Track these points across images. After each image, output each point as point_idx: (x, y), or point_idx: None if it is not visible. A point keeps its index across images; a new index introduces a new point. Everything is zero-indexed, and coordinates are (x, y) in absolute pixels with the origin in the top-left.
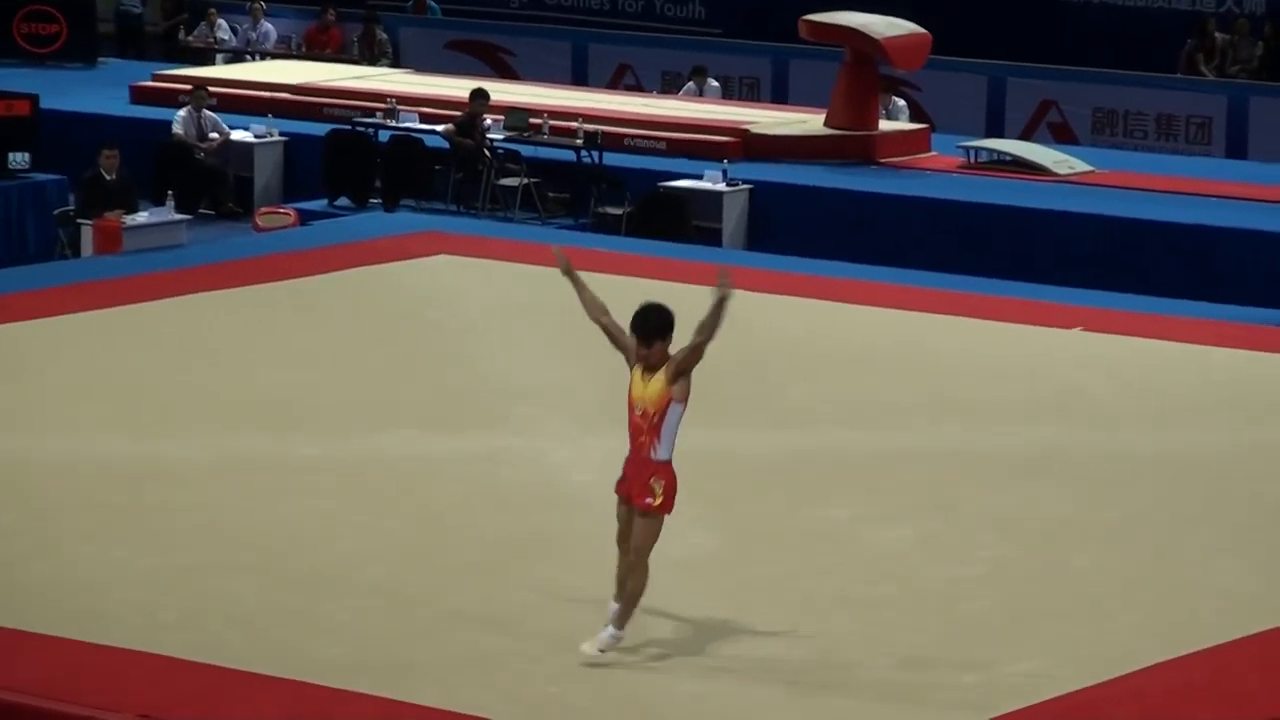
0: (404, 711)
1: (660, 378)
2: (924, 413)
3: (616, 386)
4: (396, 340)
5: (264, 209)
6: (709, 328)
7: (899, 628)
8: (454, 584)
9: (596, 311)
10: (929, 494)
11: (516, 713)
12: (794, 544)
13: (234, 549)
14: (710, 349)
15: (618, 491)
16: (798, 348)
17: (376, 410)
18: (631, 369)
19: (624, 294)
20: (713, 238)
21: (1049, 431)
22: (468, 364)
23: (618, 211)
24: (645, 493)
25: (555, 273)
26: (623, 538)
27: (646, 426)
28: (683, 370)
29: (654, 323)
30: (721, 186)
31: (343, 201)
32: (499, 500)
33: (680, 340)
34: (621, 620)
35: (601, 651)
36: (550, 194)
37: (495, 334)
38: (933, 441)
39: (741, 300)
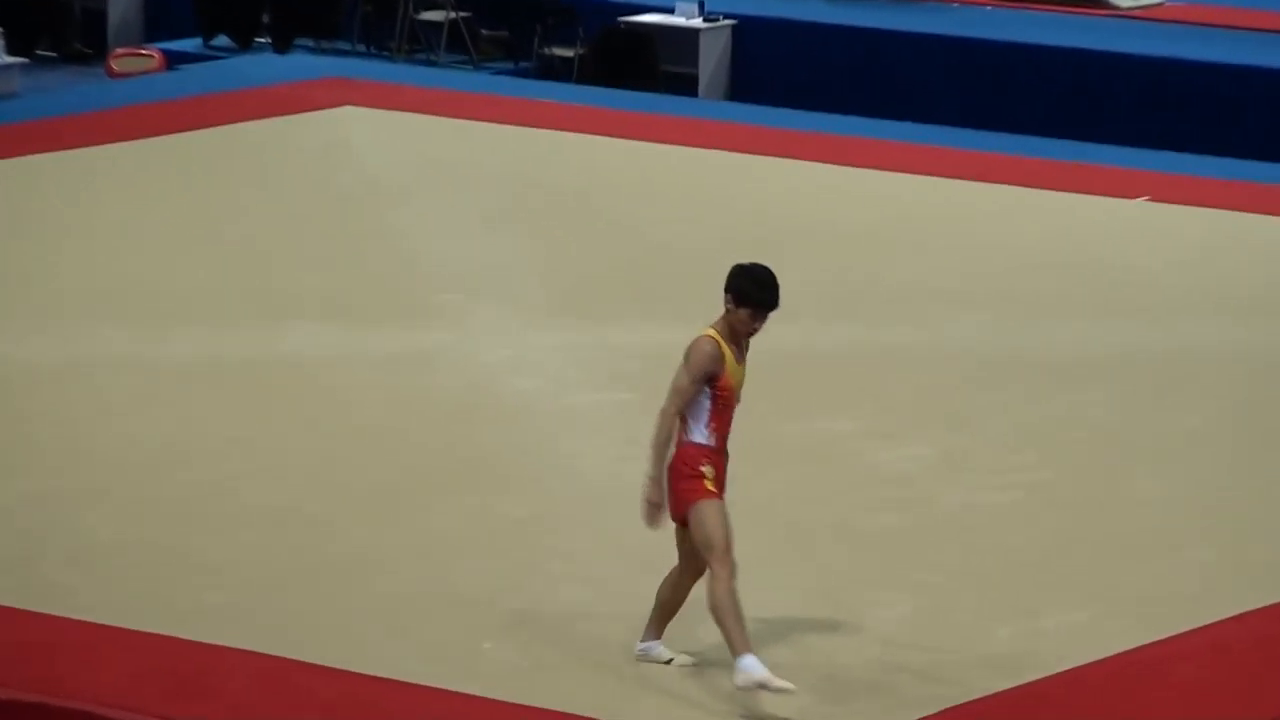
0: (297, 671)
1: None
2: (946, 302)
3: (563, 270)
4: (292, 213)
5: (120, 50)
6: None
7: (911, 566)
8: (364, 514)
9: (679, 405)
10: (950, 403)
11: (438, 673)
12: (783, 463)
13: (84, 470)
14: (682, 224)
15: (723, 493)
16: (789, 221)
17: (268, 300)
18: (725, 357)
19: (574, 155)
20: (686, 86)
21: (1100, 326)
22: (381, 242)
23: (568, 53)
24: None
25: (489, 128)
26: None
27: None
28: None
29: (776, 284)
30: (697, 22)
31: (221, 41)
32: (420, 411)
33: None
34: (744, 643)
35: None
36: (483, 31)
37: (415, 205)
38: (956, 338)
39: (722, 162)
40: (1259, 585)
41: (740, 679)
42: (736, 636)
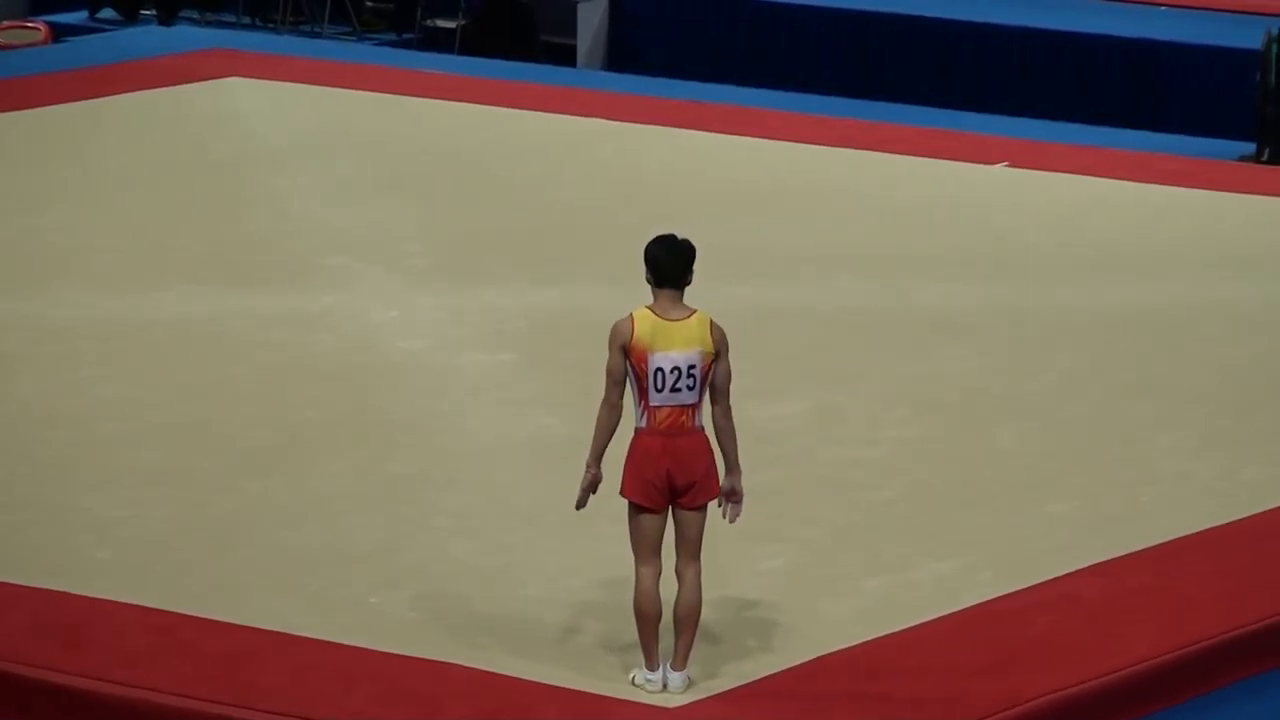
0: (186, 625)
1: (700, 328)
2: (820, 264)
3: (447, 234)
4: (176, 179)
5: (6, 23)
6: (726, 423)
7: (787, 520)
8: (251, 472)
9: (617, 412)
10: (825, 361)
11: (326, 627)
12: None
13: None
14: (563, 190)
15: (650, 499)
16: (669, 188)
17: (152, 262)
18: (633, 330)
19: (456, 124)
20: (565, 56)
21: (968, 287)
22: (266, 207)
23: (450, 24)
24: (713, 476)
25: (373, 98)
26: (654, 569)
27: (689, 388)
28: (716, 361)
29: (690, 255)
30: None
31: (106, 13)
32: (307, 370)
33: None
34: (685, 659)
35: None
36: (367, 3)
37: (299, 172)
38: (830, 298)
39: (600, 130)
40: (1114, 537)
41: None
42: (689, 649)
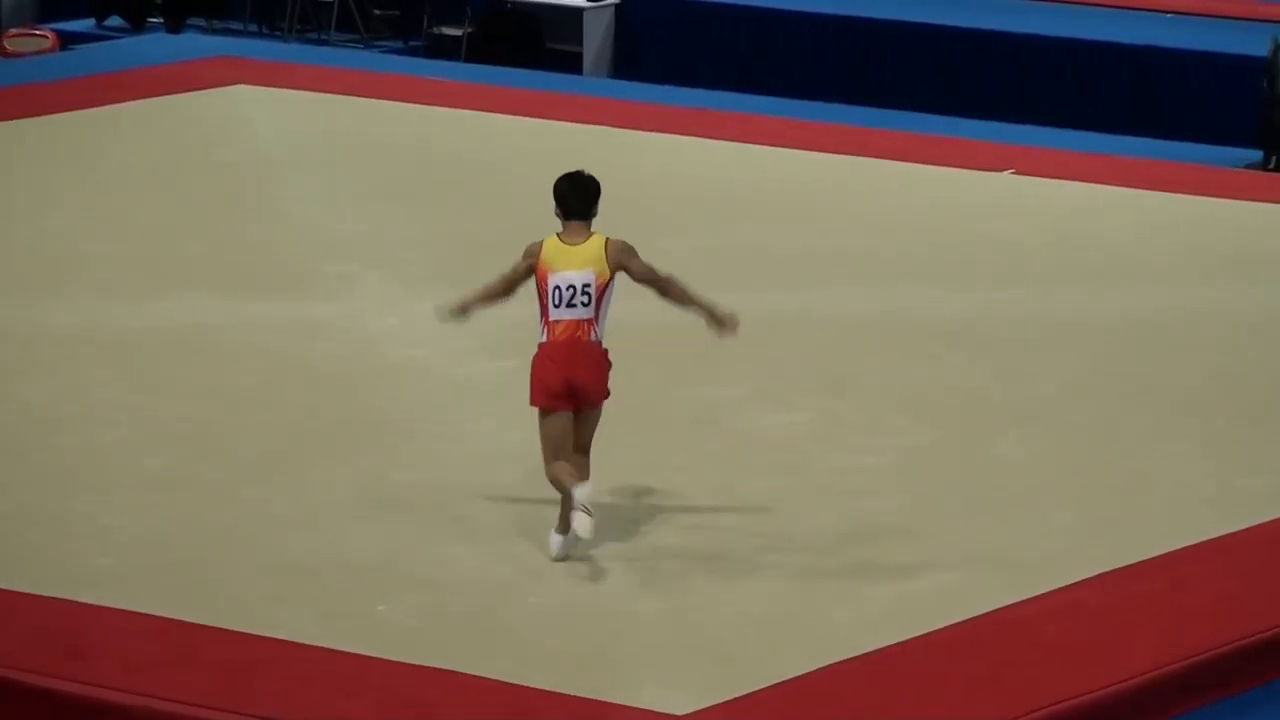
0: (191, 634)
1: (596, 250)
2: (823, 271)
3: (450, 242)
4: (181, 186)
5: (14, 30)
6: (679, 295)
7: (792, 529)
8: (253, 479)
9: (503, 287)
10: (828, 369)
11: (333, 634)
12: (665, 428)
13: None
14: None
15: (553, 402)
16: (673, 194)
17: (156, 270)
18: (540, 252)
19: (463, 131)
20: (571, 64)
21: (970, 294)
22: (270, 215)
23: (456, 32)
24: (605, 382)
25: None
26: (564, 449)
27: (584, 304)
28: (626, 270)
29: (593, 189)
30: (581, 1)
31: (114, 21)
32: (308, 378)
33: None
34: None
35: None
36: (374, 10)
37: (304, 179)
38: (833, 306)
39: (605, 137)
40: (1117, 545)
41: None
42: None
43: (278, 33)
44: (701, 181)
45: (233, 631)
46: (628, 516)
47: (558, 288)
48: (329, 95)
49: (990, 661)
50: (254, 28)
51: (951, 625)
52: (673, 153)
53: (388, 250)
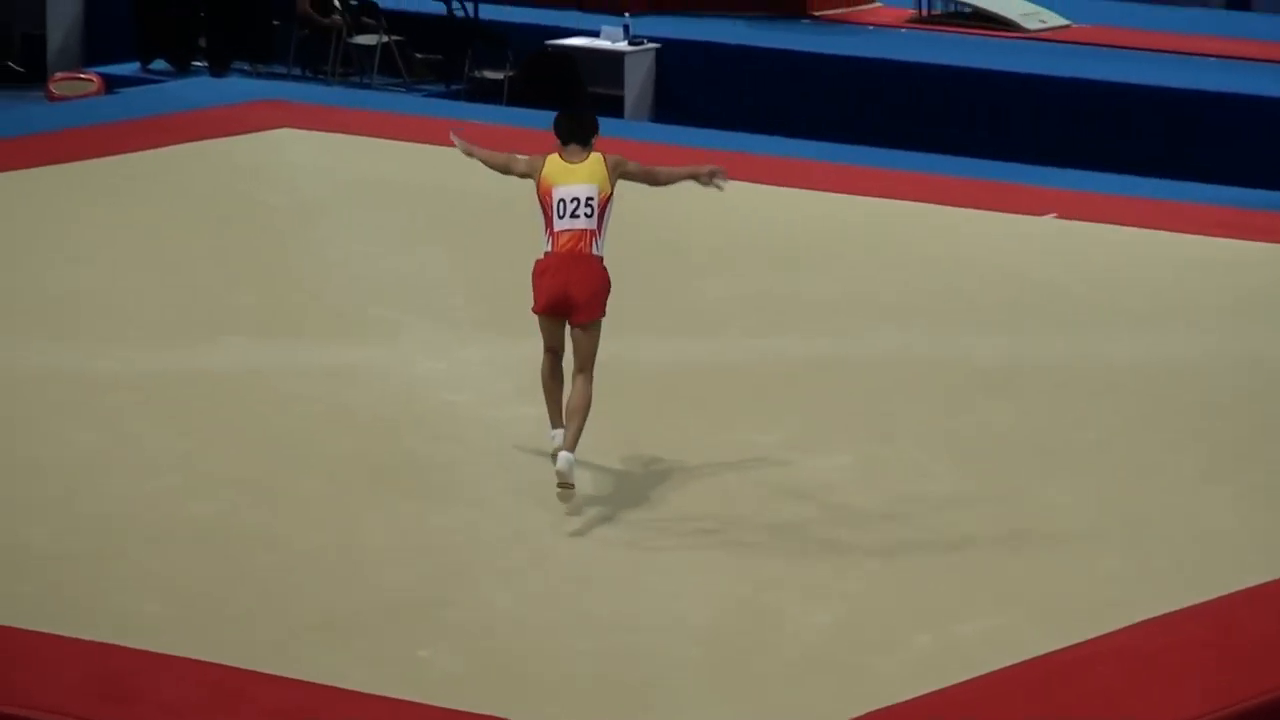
0: (238, 680)
1: (597, 167)
2: (864, 315)
3: (494, 285)
4: (226, 230)
5: (60, 74)
6: (667, 175)
7: (836, 575)
8: (297, 526)
9: (501, 164)
10: (871, 413)
11: (377, 680)
12: (710, 473)
13: (21, 482)
14: (610, 240)
15: (549, 308)
16: (713, 238)
17: (200, 315)
18: (543, 166)
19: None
20: (612, 107)
21: (1012, 338)
22: (314, 259)
23: (498, 75)
24: (599, 301)
25: (420, 149)
26: (556, 360)
27: (587, 216)
28: (625, 175)
29: (590, 123)
30: (622, 45)
31: (159, 65)
32: (352, 424)
33: None
34: (574, 442)
35: (570, 483)
36: (416, 55)
37: (347, 222)
38: (874, 350)
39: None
40: (1164, 591)
41: (564, 469)
42: (577, 437)
43: (321, 76)
44: (741, 225)
45: (278, 677)
46: (668, 560)
47: (562, 200)
48: (372, 139)
49: (1037, 707)
50: (298, 71)
51: (997, 670)
52: (712, 196)
53: (431, 293)
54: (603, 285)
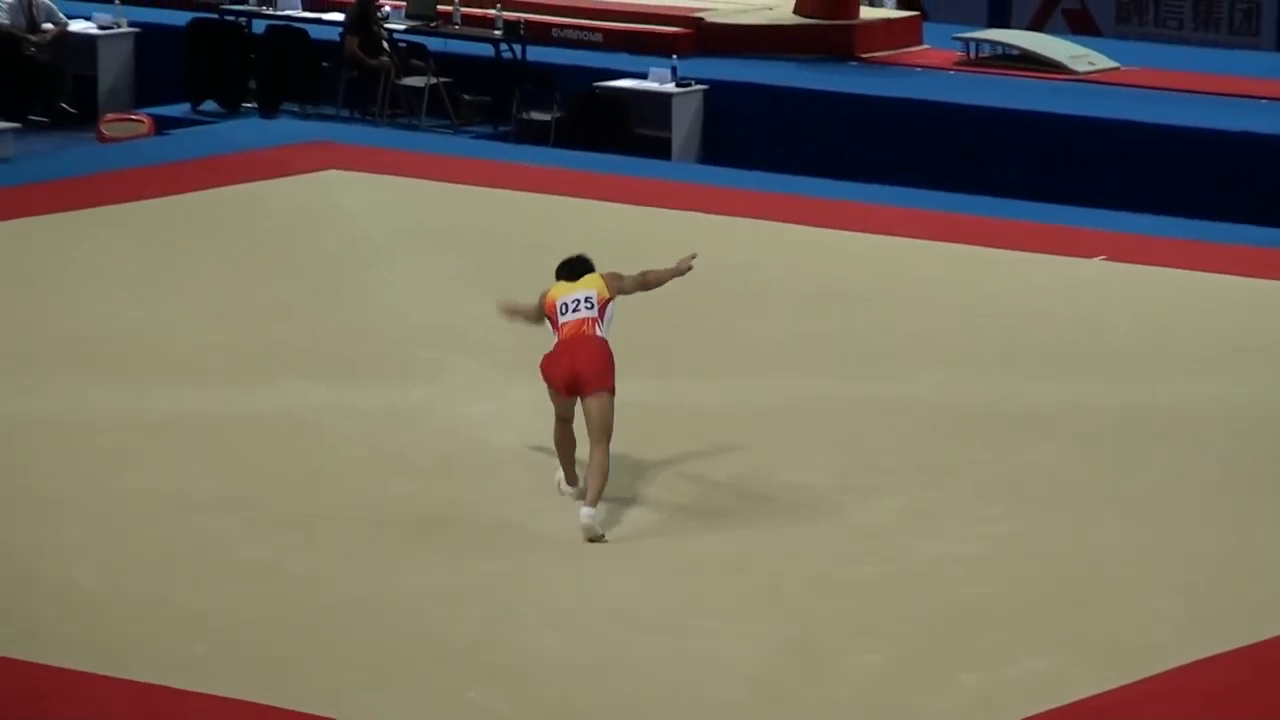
0: (283, 719)
1: (595, 279)
2: (914, 358)
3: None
4: (276, 272)
5: (111, 116)
6: (656, 279)
7: (885, 617)
8: (345, 567)
9: (533, 308)
10: (921, 456)
11: None
12: (760, 516)
13: (71, 523)
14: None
15: (559, 388)
16: (761, 280)
17: (250, 356)
18: (547, 294)
19: (552, 215)
20: (660, 149)
21: (1063, 381)
22: (363, 300)
23: (545, 117)
24: (607, 373)
25: (468, 191)
26: (567, 426)
27: (588, 309)
28: (622, 290)
29: (583, 265)
30: (670, 87)
31: (209, 106)
32: (401, 465)
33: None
34: (595, 500)
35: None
36: (465, 96)
37: (396, 264)
38: (925, 393)
39: (694, 223)
40: (1216, 634)
41: (587, 524)
42: (599, 496)
43: (370, 118)
44: (789, 267)
45: (325, 719)
46: (716, 601)
47: (564, 303)
48: (420, 180)
49: None
50: (346, 113)
51: (1046, 711)
52: (760, 238)
53: (479, 334)
54: (608, 359)
